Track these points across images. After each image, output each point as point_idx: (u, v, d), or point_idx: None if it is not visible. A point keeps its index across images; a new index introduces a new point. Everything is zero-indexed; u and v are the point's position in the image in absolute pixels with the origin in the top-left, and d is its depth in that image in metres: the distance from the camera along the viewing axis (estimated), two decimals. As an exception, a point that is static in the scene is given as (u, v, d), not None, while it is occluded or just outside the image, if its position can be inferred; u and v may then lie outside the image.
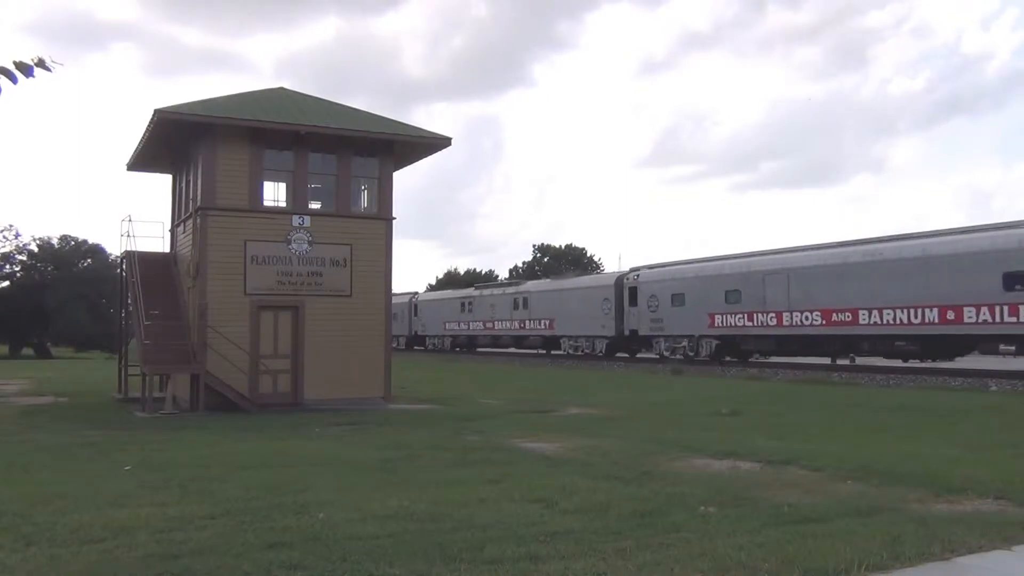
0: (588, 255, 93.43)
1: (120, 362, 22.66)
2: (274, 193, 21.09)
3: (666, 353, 36.09)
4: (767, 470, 10.07)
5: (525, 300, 46.27)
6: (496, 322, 48.78)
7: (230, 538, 6.60)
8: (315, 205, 20.77)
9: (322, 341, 19.41)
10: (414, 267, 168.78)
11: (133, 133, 46.36)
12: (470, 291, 54.37)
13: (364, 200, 21.46)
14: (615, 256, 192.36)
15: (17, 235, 62.00)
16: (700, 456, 11.16)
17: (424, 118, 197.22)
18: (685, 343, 34.82)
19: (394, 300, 59.74)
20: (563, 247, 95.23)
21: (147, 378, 17.90)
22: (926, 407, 17.68)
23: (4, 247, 61.42)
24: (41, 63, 4.13)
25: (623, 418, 16.25)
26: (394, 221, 20.65)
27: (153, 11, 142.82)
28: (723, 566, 5.79)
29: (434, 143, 21.50)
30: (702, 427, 14.67)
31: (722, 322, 32.79)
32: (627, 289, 38.41)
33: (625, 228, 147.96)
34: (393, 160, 21.08)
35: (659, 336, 36.54)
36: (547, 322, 44.27)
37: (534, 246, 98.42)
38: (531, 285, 48.20)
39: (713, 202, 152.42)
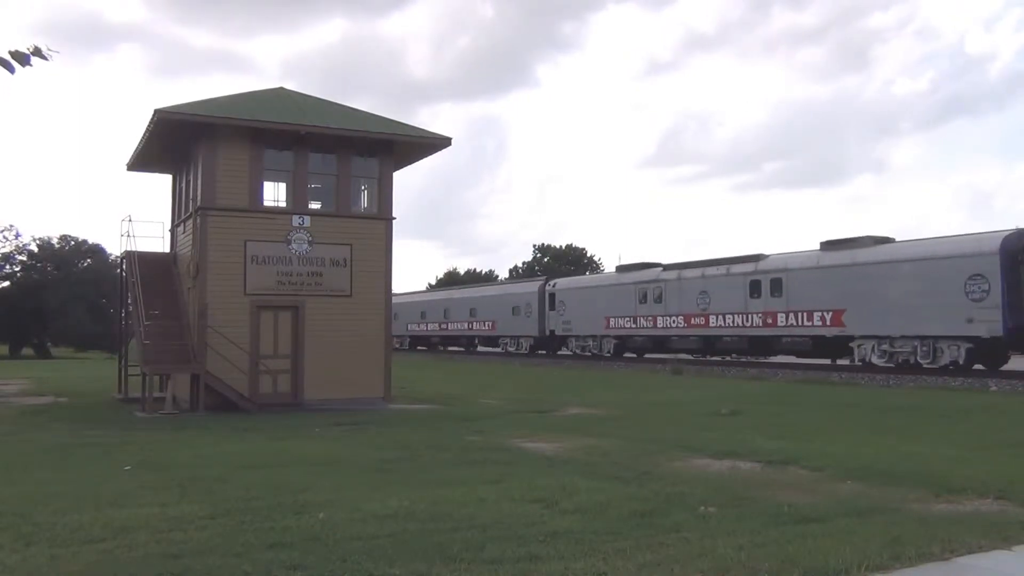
0: (588, 255, 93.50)
1: (120, 362, 22.68)
2: (274, 193, 21.12)
3: None
4: (767, 470, 10.08)
5: (775, 282, 30.35)
6: (712, 316, 33.13)
7: (230, 538, 6.60)
8: (315, 205, 20.77)
9: (322, 341, 19.41)
10: (414, 267, 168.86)
11: (134, 133, 46.32)
12: (655, 272, 36.91)
13: (364, 200, 21.46)
14: (615, 256, 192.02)
15: (17, 235, 62.14)
16: (700, 456, 11.17)
17: (428, 118, 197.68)
18: None
19: (513, 290, 50.45)
20: (563, 247, 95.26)
21: (147, 378, 17.90)
22: (926, 407, 17.67)
23: (4, 247, 61.54)
24: (38, 52, 4.14)
25: (623, 418, 16.25)
26: (394, 221, 20.68)
27: (160, 12, 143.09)
28: (723, 566, 5.79)
29: (434, 143, 21.49)
30: (702, 427, 14.67)
31: None
32: None
33: (626, 228, 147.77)
34: (393, 160, 21.09)
35: None
36: (825, 315, 28.59)
37: (534, 246, 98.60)
38: (781, 259, 31.09)
39: (715, 202, 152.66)
